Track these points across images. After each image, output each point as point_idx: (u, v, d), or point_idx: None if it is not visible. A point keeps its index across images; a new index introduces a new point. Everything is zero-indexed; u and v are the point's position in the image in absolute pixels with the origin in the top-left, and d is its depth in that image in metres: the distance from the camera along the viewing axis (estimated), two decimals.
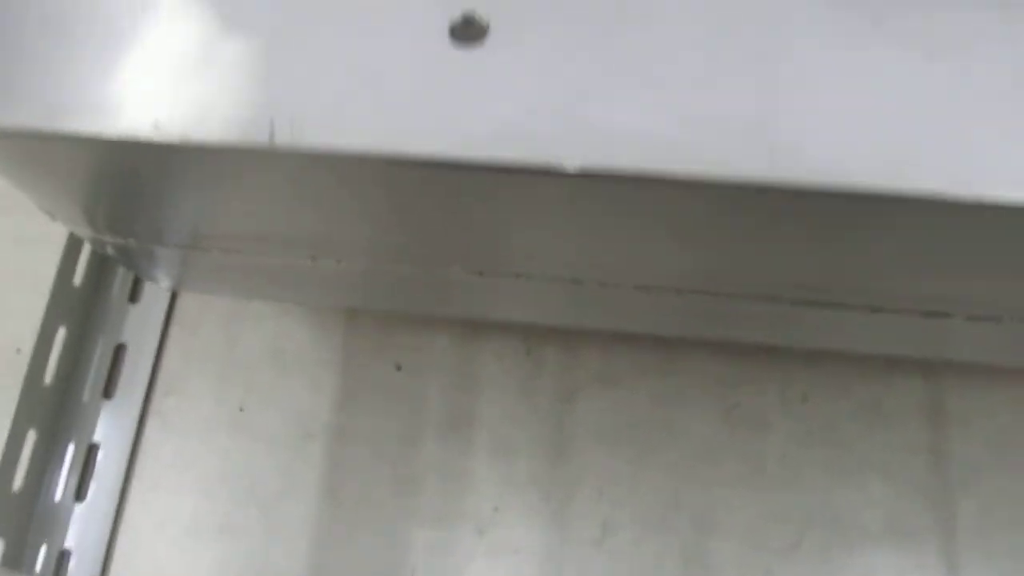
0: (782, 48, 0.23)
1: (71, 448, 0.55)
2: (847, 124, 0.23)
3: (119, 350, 0.58)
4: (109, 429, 0.56)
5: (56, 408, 0.55)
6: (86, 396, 0.56)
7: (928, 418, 0.54)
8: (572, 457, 0.53)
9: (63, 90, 0.25)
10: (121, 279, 0.59)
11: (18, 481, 0.52)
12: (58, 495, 0.54)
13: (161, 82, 0.25)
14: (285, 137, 0.23)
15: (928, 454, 0.53)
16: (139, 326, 0.58)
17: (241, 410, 0.56)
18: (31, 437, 0.53)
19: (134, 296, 0.59)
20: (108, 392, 0.57)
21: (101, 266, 0.58)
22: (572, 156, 0.22)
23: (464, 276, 0.40)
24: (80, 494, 0.55)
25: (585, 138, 0.23)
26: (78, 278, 0.56)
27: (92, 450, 0.56)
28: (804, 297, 0.39)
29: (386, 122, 0.23)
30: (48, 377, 0.54)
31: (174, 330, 0.58)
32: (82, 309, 0.57)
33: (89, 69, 0.25)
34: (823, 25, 0.23)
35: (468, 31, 0.24)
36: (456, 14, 0.24)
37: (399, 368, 0.56)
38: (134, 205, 0.36)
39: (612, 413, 0.54)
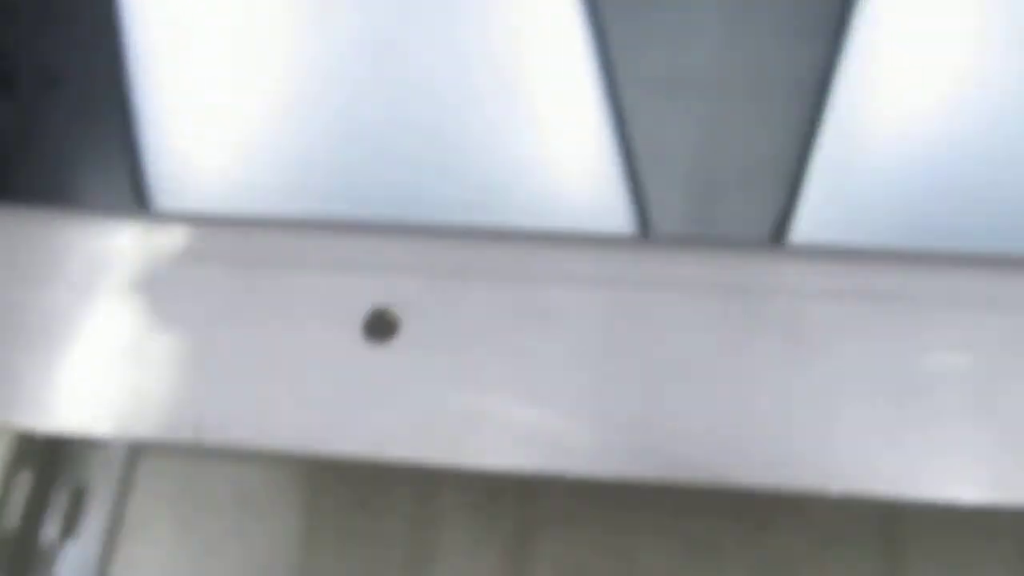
0: (666, 353, 0.25)
1: None
2: (724, 424, 0.25)
3: (82, 493, 0.59)
4: (71, 574, 0.56)
5: (17, 553, 0.55)
6: (48, 540, 0.57)
7: (885, 544, 0.55)
8: None
9: None
10: None
11: None
12: None
13: (93, 377, 0.26)
14: (211, 434, 0.25)
15: None
16: (102, 469, 0.59)
17: (205, 553, 0.57)
18: None
19: None
20: (70, 535, 0.57)
21: None
22: (474, 456, 0.24)
23: None
24: None
25: (487, 435, 0.25)
26: None
27: None
28: None
29: (305, 422, 0.25)
30: (11, 521, 0.54)
31: (138, 473, 0.59)
32: (46, 452, 0.57)
33: (22, 363, 0.26)
34: (705, 330, 0.25)
35: (380, 326, 0.26)
36: (368, 309, 0.26)
37: (362, 508, 0.57)
38: None
39: (572, 548, 0.55)
